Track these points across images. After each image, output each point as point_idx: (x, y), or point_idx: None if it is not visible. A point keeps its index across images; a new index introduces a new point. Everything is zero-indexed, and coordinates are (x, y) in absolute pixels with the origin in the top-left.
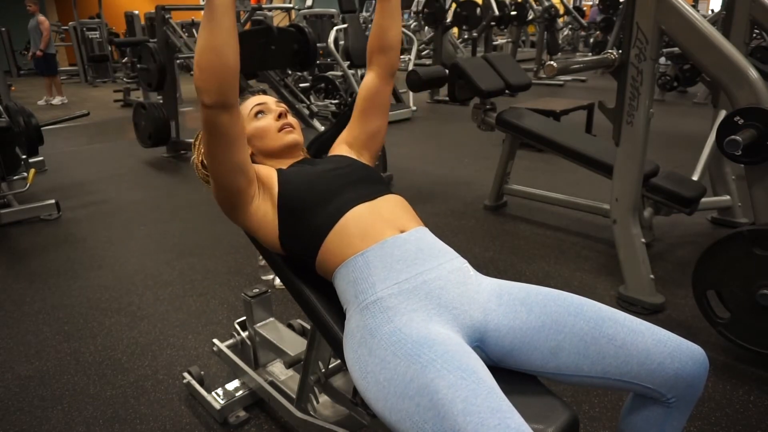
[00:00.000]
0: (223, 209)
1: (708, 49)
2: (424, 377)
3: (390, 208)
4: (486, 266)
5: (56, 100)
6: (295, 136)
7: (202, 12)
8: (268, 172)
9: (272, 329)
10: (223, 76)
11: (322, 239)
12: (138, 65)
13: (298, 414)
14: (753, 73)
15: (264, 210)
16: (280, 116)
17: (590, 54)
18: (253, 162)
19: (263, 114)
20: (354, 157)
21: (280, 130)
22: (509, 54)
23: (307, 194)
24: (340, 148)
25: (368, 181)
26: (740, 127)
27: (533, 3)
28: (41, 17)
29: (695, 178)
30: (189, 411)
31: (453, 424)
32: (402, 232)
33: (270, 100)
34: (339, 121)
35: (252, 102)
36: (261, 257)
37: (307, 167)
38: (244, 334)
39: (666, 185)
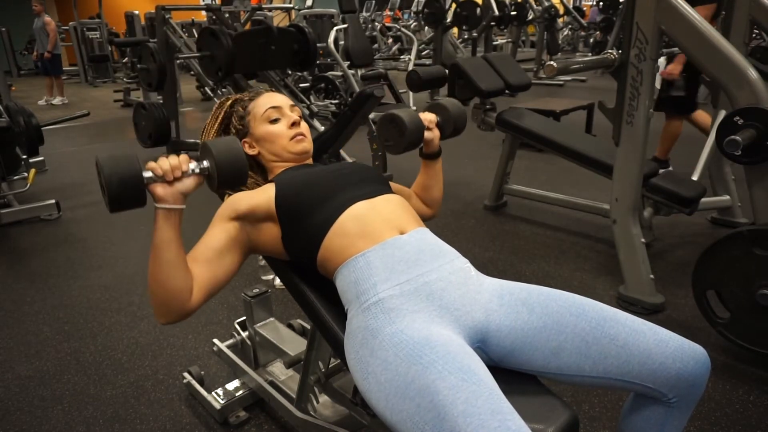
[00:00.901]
0: None
1: (708, 49)
2: (425, 378)
3: (390, 207)
4: (486, 266)
5: (57, 101)
6: (306, 145)
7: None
8: (266, 197)
9: (272, 329)
10: (171, 303)
11: (322, 238)
12: (138, 65)
13: (298, 414)
14: (753, 73)
15: (266, 233)
16: (293, 124)
17: (590, 54)
18: (257, 161)
19: (277, 118)
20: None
21: (292, 138)
22: (509, 54)
23: (304, 195)
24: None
25: (368, 181)
26: (740, 127)
27: (533, 3)
28: (47, 18)
29: (695, 178)
30: (189, 411)
31: (453, 425)
32: (402, 233)
33: (285, 104)
34: (339, 121)
35: (266, 103)
36: (261, 257)
37: (306, 170)
38: (244, 334)
39: (666, 185)
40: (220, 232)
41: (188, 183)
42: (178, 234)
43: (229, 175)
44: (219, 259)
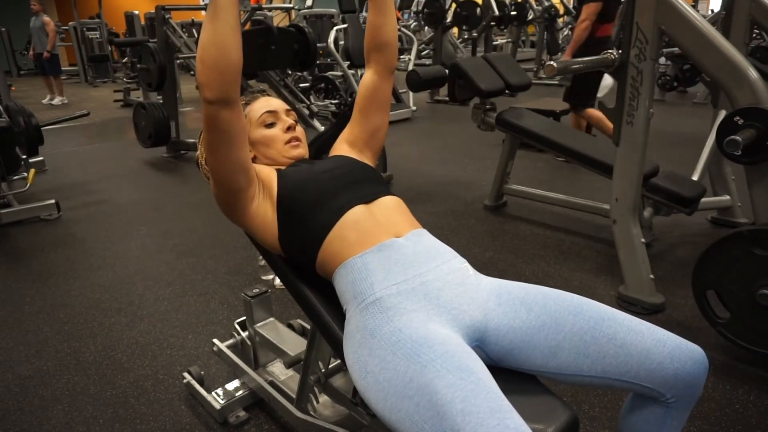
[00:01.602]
0: (223, 210)
1: (708, 49)
2: (423, 377)
3: (387, 212)
4: (486, 266)
5: (56, 100)
6: (301, 150)
7: (204, 12)
8: (268, 173)
9: (272, 329)
10: (226, 72)
11: (321, 242)
12: (138, 65)
13: (298, 414)
14: (753, 73)
15: (264, 211)
16: (289, 128)
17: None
18: (254, 163)
19: (272, 122)
20: (355, 156)
21: (288, 142)
22: (509, 54)
23: (305, 196)
24: (341, 147)
25: (366, 182)
26: (740, 127)
27: (533, 3)
28: (46, 18)
29: (695, 178)
30: (189, 411)
31: (452, 423)
32: (398, 236)
33: (280, 108)
34: (339, 121)
35: (261, 107)
36: (261, 257)
37: (306, 167)
38: (244, 334)
39: (666, 185)
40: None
41: None
42: (237, 1)
43: None
44: (246, 140)
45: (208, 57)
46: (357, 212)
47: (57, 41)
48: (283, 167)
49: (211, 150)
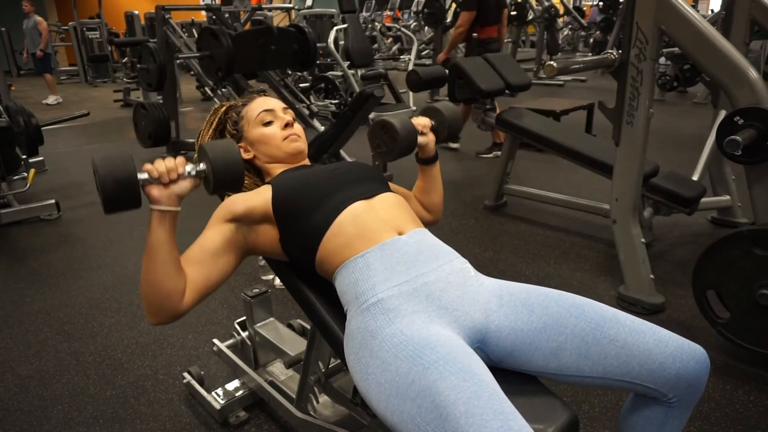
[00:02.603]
0: None
1: (708, 49)
2: (426, 379)
3: (387, 207)
4: (486, 266)
5: (51, 100)
6: (300, 144)
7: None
8: (262, 198)
9: (272, 329)
10: (163, 305)
11: (320, 239)
12: (138, 65)
13: (298, 414)
14: (753, 73)
15: (263, 233)
16: (286, 125)
17: (590, 54)
18: (254, 164)
19: (270, 121)
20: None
21: (285, 138)
22: (509, 54)
23: (301, 196)
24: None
25: (365, 180)
26: (740, 127)
27: (533, 3)
28: (38, 18)
29: (695, 178)
30: (189, 411)
31: (455, 425)
32: (400, 233)
33: (278, 107)
34: (339, 121)
35: (259, 106)
36: (261, 257)
37: (303, 171)
38: (244, 334)
39: (666, 185)
40: (215, 234)
41: (184, 185)
42: (172, 236)
43: (225, 178)
44: (213, 260)
45: (146, 294)
46: (357, 207)
47: (55, 41)
48: (280, 168)
49: None
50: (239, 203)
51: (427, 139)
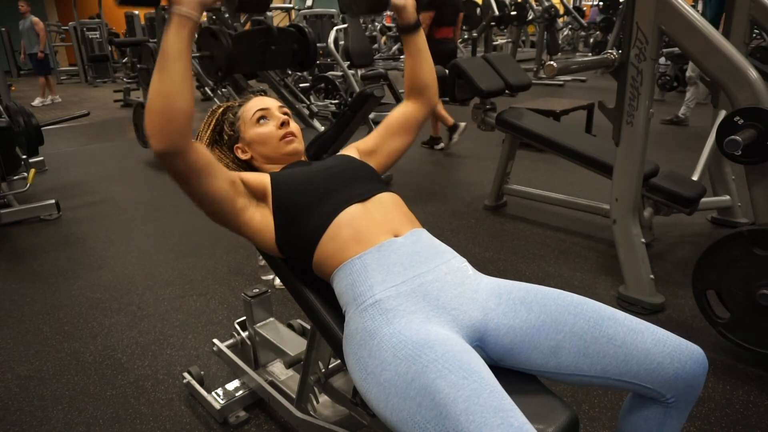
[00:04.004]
0: (215, 222)
1: (708, 49)
2: (425, 377)
3: (383, 209)
4: (486, 266)
5: (48, 100)
6: (296, 145)
7: (205, 14)
8: (260, 179)
9: (272, 329)
10: (172, 123)
11: (317, 242)
12: (138, 65)
13: (298, 414)
14: (753, 73)
15: (259, 217)
16: (282, 124)
17: (590, 54)
18: (251, 165)
19: (265, 120)
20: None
21: (282, 138)
22: (509, 54)
23: (300, 196)
24: (349, 150)
25: (362, 179)
26: (740, 127)
27: (533, 3)
28: (35, 18)
29: (695, 178)
30: (189, 411)
31: (455, 423)
32: (396, 235)
33: (273, 105)
34: (339, 121)
35: (254, 106)
36: (261, 257)
37: (301, 168)
38: (244, 334)
39: (666, 185)
40: (224, 170)
41: None
42: (189, 48)
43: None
44: (218, 168)
45: (154, 107)
46: (352, 211)
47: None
48: (278, 168)
49: (186, 192)
50: (247, 174)
51: (405, 2)
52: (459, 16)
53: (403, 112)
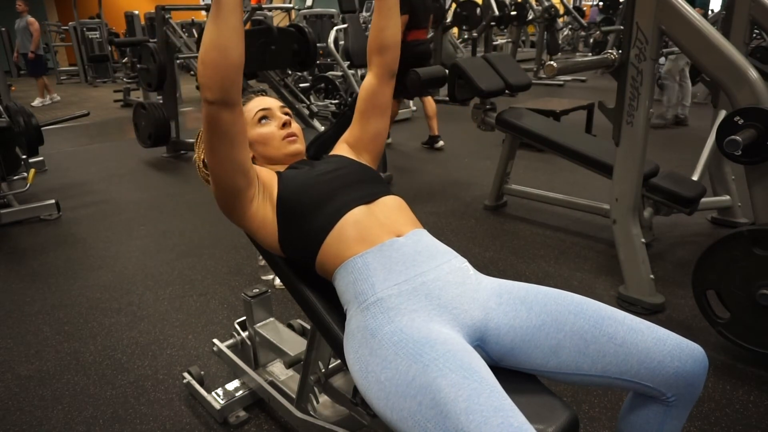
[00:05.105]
0: (222, 210)
1: (708, 49)
2: (426, 376)
3: (387, 211)
4: (486, 266)
5: (47, 99)
6: (298, 146)
7: (204, 12)
8: (269, 175)
9: (272, 329)
10: (227, 74)
11: (321, 243)
12: (138, 65)
13: (298, 414)
14: (753, 73)
15: (264, 212)
16: (284, 125)
17: (590, 54)
18: (253, 164)
19: (267, 120)
20: (354, 158)
21: (284, 139)
22: (509, 54)
23: (305, 197)
24: (341, 148)
25: (366, 182)
26: (740, 127)
27: (533, 3)
28: (30, 18)
29: (695, 178)
30: (189, 411)
31: (455, 422)
32: (398, 236)
33: (274, 105)
34: (339, 121)
35: (255, 106)
36: (261, 257)
37: (305, 169)
38: (244, 334)
39: (666, 185)
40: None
41: None
42: (240, 4)
43: None
44: (247, 144)
45: (210, 58)
46: (357, 213)
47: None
48: (282, 167)
49: (210, 150)
50: (258, 167)
51: None
52: (429, 19)
53: (365, 87)
